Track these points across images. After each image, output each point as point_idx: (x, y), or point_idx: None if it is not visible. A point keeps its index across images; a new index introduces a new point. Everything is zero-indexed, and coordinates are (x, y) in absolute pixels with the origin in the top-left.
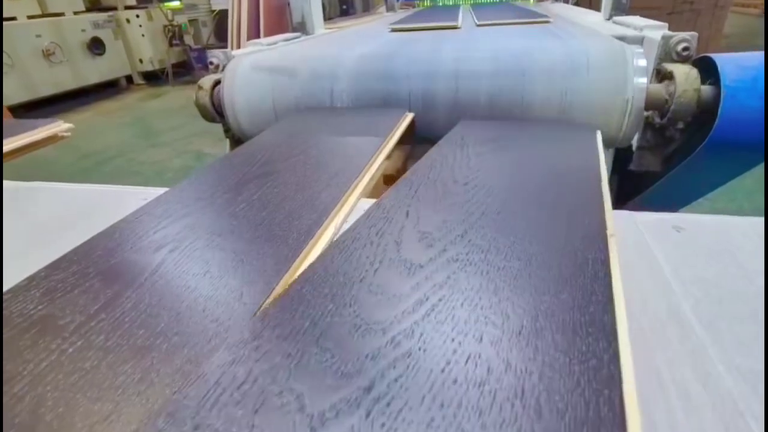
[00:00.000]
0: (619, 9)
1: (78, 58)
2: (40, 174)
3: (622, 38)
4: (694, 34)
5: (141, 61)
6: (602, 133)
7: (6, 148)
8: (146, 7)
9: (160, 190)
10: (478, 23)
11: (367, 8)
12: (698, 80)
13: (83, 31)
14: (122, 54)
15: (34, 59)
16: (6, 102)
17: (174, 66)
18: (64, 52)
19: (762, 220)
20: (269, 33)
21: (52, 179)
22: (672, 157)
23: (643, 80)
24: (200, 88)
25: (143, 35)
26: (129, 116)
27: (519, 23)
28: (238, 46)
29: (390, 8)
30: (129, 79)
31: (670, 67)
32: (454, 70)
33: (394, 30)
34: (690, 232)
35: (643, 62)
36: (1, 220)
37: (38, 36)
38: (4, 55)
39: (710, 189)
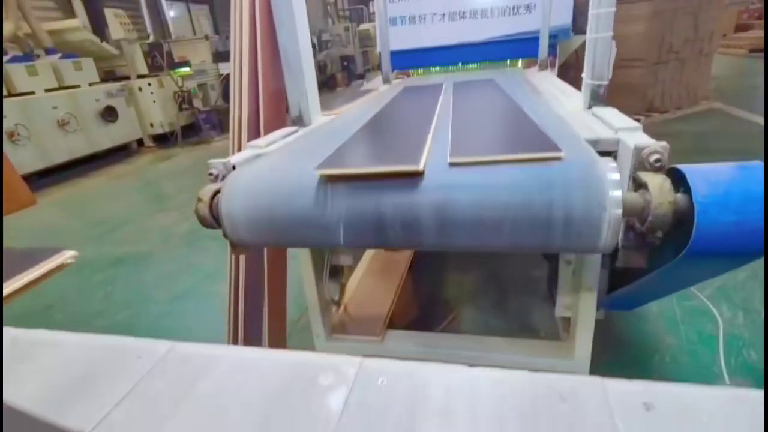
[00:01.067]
0: (596, 100)
1: (91, 126)
2: (46, 241)
3: (596, 141)
4: (666, 145)
5: (152, 125)
6: (584, 245)
7: (9, 289)
8: (158, 75)
9: (159, 344)
10: (450, 161)
11: (368, 63)
12: (671, 192)
13: (97, 100)
14: (134, 119)
15: (50, 129)
16: (21, 171)
17: (183, 128)
18: (78, 121)
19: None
20: (269, 120)
21: (64, 246)
22: (656, 254)
23: (618, 193)
24: (200, 200)
25: (154, 101)
26: (139, 180)
27: (509, 161)
28: (239, 143)
29: (385, 80)
30: (140, 141)
31: (644, 177)
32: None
33: (321, 175)
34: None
35: (616, 176)
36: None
37: (54, 108)
38: (22, 128)
39: (694, 284)
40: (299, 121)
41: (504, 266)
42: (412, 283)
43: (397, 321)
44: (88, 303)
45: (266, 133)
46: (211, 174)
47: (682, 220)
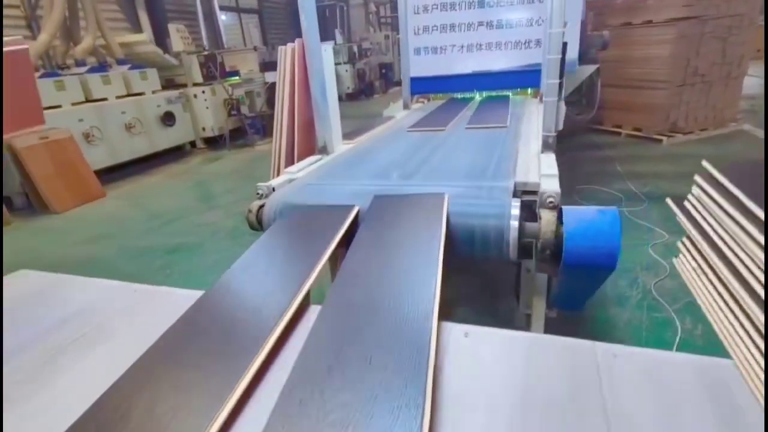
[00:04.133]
0: (546, 147)
1: (153, 129)
2: (115, 229)
3: (525, 183)
4: (558, 191)
5: (204, 128)
6: (496, 256)
7: None
8: (211, 84)
9: (191, 294)
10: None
11: (386, 88)
12: (555, 224)
13: (158, 106)
14: (188, 123)
15: (119, 132)
16: (94, 167)
17: (231, 132)
18: (142, 124)
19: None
20: (302, 149)
21: (126, 235)
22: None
23: (516, 222)
24: (249, 211)
25: (207, 107)
26: (191, 179)
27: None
28: (278, 170)
29: (405, 105)
30: (192, 143)
31: (542, 212)
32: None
33: None
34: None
35: (516, 212)
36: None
37: (123, 112)
38: (96, 130)
39: (590, 291)
40: (324, 150)
41: (495, 272)
42: None
43: None
44: (152, 281)
45: (299, 159)
46: (258, 193)
47: (559, 244)
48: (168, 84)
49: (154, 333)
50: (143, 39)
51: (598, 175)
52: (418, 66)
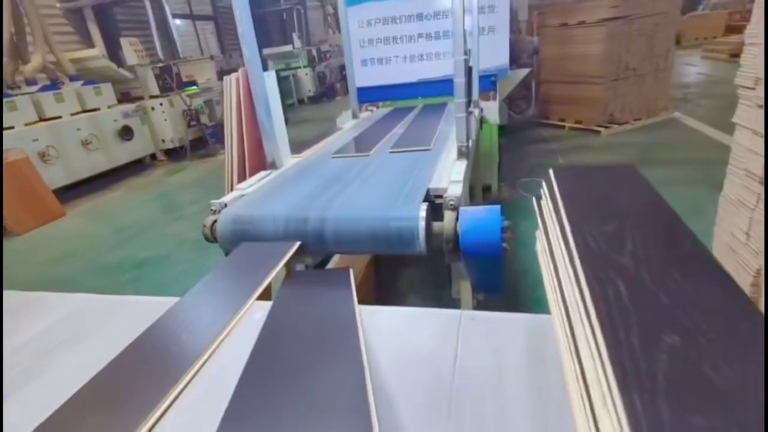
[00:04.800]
0: (461, 155)
1: (110, 144)
2: (80, 247)
3: (436, 189)
4: (459, 195)
5: (163, 140)
6: (410, 250)
7: None
8: (168, 95)
9: (166, 300)
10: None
11: (347, 90)
12: (454, 222)
13: (115, 121)
14: (147, 136)
15: (75, 149)
16: (52, 186)
17: (192, 142)
18: (99, 140)
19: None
20: (253, 164)
21: (91, 253)
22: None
23: (423, 223)
24: (204, 226)
25: (165, 119)
26: (154, 192)
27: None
28: (231, 186)
29: (354, 115)
30: (153, 156)
31: (446, 213)
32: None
33: None
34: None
35: (423, 214)
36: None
37: (78, 129)
38: (52, 149)
39: (495, 276)
40: (273, 166)
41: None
42: (374, 276)
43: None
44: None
45: (251, 174)
46: (212, 209)
47: (458, 238)
48: (124, 98)
49: (126, 339)
50: (95, 54)
51: (541, 168)
52: (366, 76)
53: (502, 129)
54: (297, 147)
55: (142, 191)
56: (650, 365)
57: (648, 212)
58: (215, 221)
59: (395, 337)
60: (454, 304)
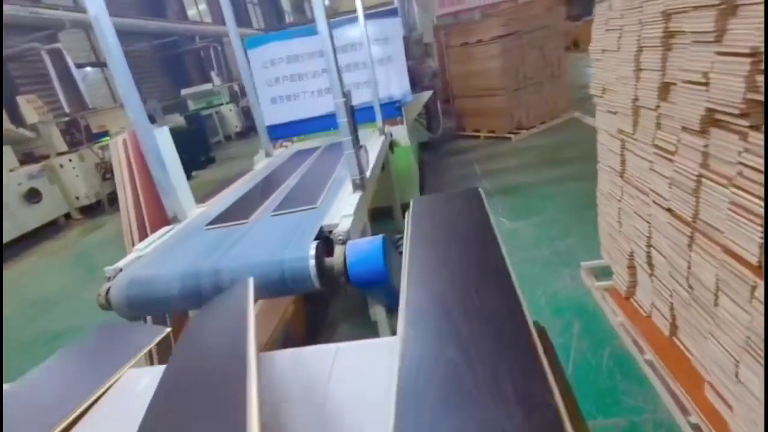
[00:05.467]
0: (356, 187)
1: (17, 210)
2: None
3: (329, 224)
4: (347, 230)
5: (77, 198)
6: (305, 289)
7: None
8: (77, 150)
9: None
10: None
11: None
12: (343, 255)
13: (19, 184)
14: (58, 195)
15: None
16: None
17: (109, 194)
18: (3, 207)
19: None
20: (153, 221)
21: (6, 329)
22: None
23: (313, 261)
24: (99, 295)
25: (77, 175)
26: (71, 254)
27: None
28: (132, 244)
29: (267, 153)
30: (67, 215)
31: (336, 248)
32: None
33: None
34: None
35: (313, 252)
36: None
37: None
38: None
39: (386, 299)
40: (176, 220)
41: None
42: (304, 309)
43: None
44: None
45: (153, 230)
46: (107, 276)
47: (347, 270)
48: (27, 158)
49: None
50: None
51: (461, 178)
52: (277, 113)
53: (425, 145)
54: (222, 187)
55: (57, 255)
56: (429, 376)
57: (472, 234)
58: (109, 288)
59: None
60: (375, 326)
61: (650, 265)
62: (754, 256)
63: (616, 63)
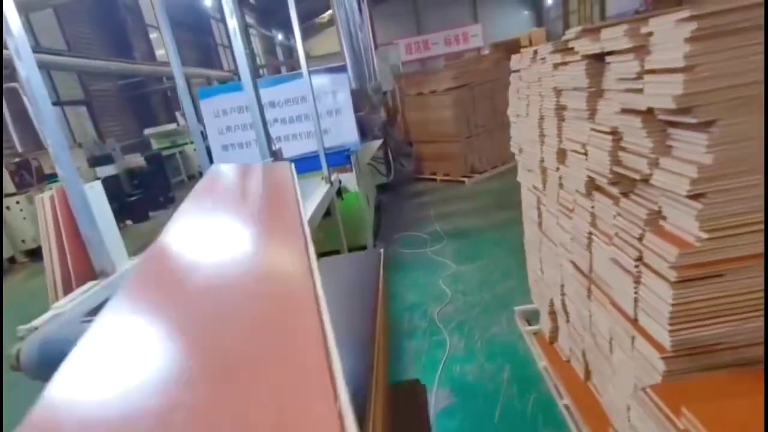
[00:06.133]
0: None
1: None
2: None
3: None
4: None
5: (23, 241)
6: None
7: None
8: (27, 191)
9: None
10: None
11: None
12: None
13: None
14: (3, 239)
15: None
16: None
17: None
18: None
19: None
20: (79, 276)
21: None
22: None
23: None
24: (10, 355)
25: (24, 218)
26: (12, 303)
27: None
28: (57, 299)
29: None
30: (11, 259)
31: None
32: None
33: None
34: None
35: None
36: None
37: None
38: None
39: None
40: (103, 274)
41: None
42: None
43: None
44: None
45: (78, 286)
46: (18, 336)
47: None
48: None
49: None
50: None
51: (415, 222)
52: (228, 160)
53: (386, 186)
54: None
55: None
56: None
57: (358, 298)
58: (20, 349)
59: None
60: None
61: (565, 312)
62: (630, 309)
63: (527, 127)
